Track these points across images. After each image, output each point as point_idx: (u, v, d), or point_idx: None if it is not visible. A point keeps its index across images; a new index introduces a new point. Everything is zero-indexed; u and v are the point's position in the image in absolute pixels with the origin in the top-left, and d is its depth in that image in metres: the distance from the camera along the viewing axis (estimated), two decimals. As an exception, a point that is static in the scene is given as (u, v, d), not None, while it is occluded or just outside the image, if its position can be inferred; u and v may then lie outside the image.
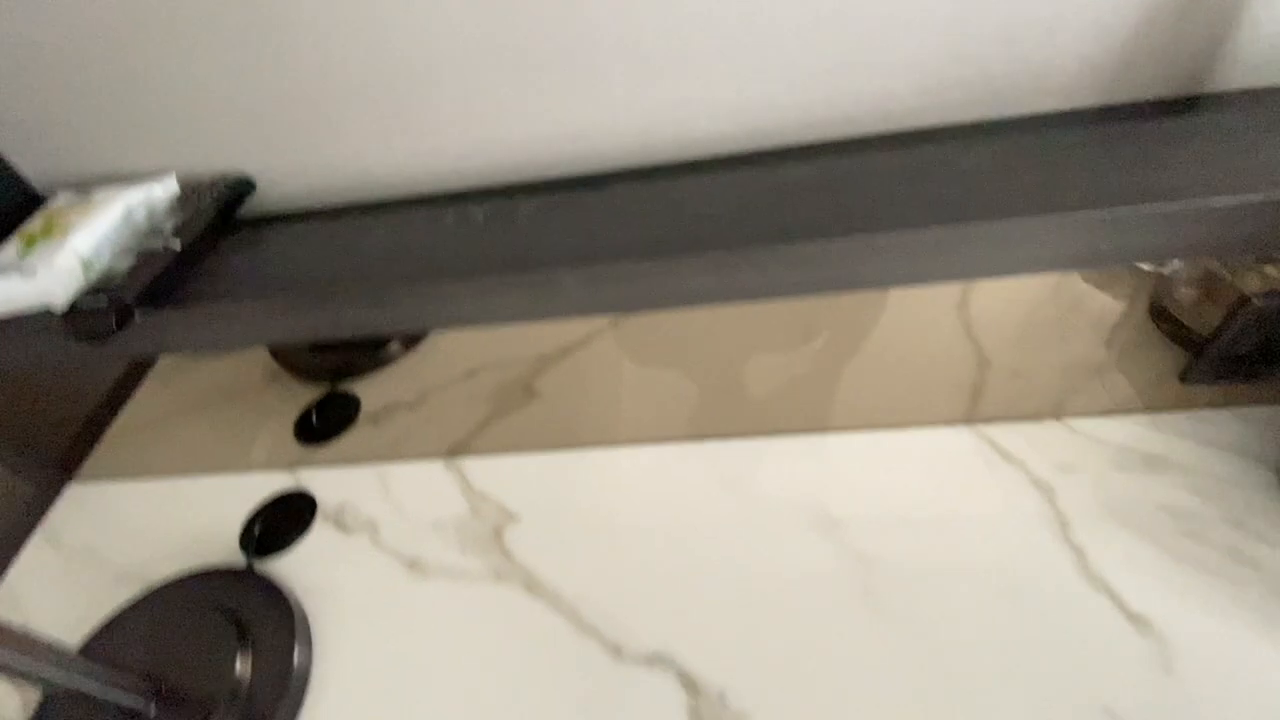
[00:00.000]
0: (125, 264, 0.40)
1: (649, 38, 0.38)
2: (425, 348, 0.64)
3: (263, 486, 0.54)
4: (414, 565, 0.48)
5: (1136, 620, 0.38)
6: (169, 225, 0.42)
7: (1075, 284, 0.57)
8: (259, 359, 0.66)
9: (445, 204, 0.45)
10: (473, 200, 0.45)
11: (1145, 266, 0.56)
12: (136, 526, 0.54)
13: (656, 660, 0.40)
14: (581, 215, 0.40)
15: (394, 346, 0.63)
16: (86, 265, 0.41)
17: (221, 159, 0.46)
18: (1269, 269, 0.44)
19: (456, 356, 0.62)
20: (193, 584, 0.48)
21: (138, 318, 0.38)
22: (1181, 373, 0.45)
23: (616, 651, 0.41)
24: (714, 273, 0.36)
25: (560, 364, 0.60)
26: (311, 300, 0.40)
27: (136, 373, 0.66)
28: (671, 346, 0.59)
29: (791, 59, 0.39)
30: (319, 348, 0.64)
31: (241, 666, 0.43)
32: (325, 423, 0.59)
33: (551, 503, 0.49)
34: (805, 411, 0.51)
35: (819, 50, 0.39)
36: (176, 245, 0.40)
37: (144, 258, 0.40)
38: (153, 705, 0.41)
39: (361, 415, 0.59)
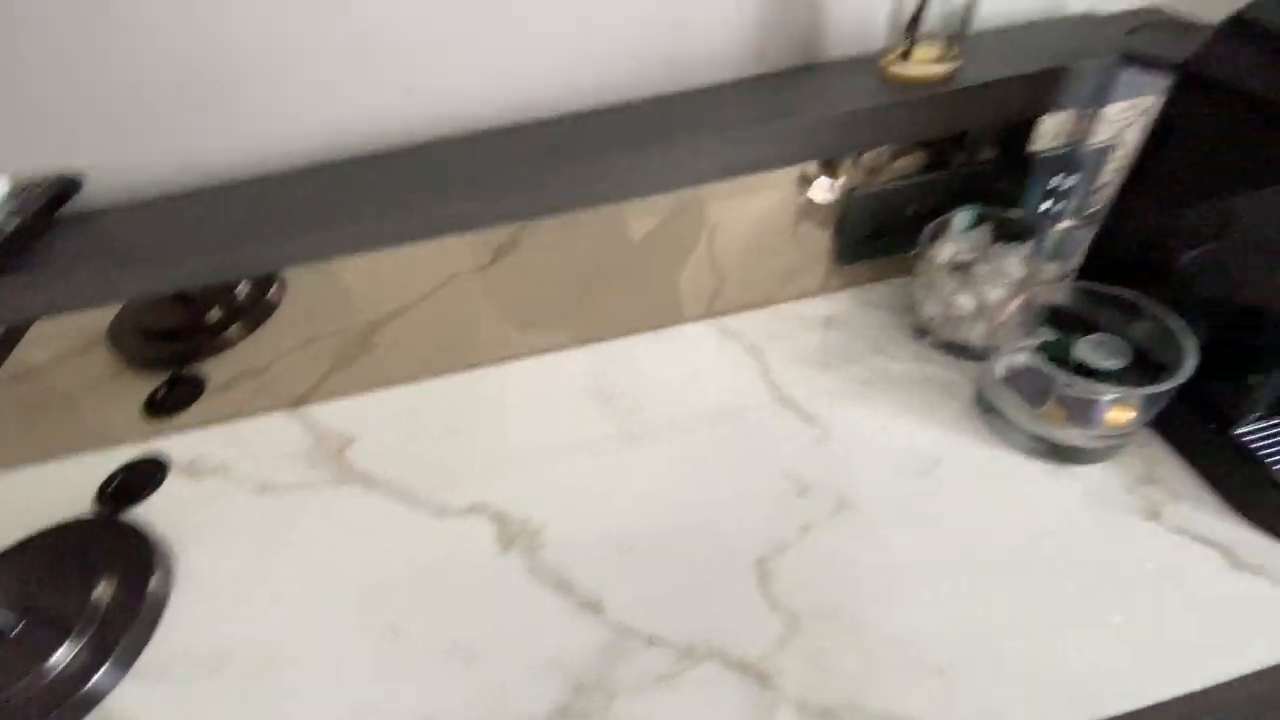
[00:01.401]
0: (-38, 243, 0.46)
1: (423, 40, 0.51)
2: (265, 329, 0.71)
3: (116, 458, 0.60)
4: (264, 488, 0.55)
5: (808, 418, 0.54)
6: (2, 214, 0.49)
7: (792, 220, 0.75)
8: (101, 359, 0.70)
9: (258, 183, 0.55)
10: (285, 178, 0.55)
11: (831, 197, 0.75)
12: (-15, 513, 0.57)
13: (473, 510, 0.51)
14: (385, 173, 0.52)
15: (235, 329, 0.70)
16: (-78, 247, 0.46)
17: (49, 161, 0.53)
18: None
19: (296, 329, 0.70)
20: (55, 532, 0.53)
21: (-18, 280, 0.44)
22: (833, 258, 0.63)
23: (441, 512, 0.51)
24: (482, 199, 0.49)
25: (390, 324, 0.69)
26: (157, 257, 0.48)
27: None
28: (476, 299, 0.71)
29: (543, 63, 0.54)
30: (160, 338, 0.69)
31: (99, 593, 0.48)
32: (173, 401, 0.65)
33: (384, 422, 0.59)
34: (590, 327, 0.65)
35: (561, 54, 0.54)
36: (11, 225, 0.47)
37: (-20, 235, 0.46)
38: (20, 625, 0.46)
39: (208, 388, 0.65)
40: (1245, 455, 0.46)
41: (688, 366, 0.60)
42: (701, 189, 0.59)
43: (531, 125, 0.57)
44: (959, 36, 0.52)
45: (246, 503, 0.55)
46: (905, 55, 0.53)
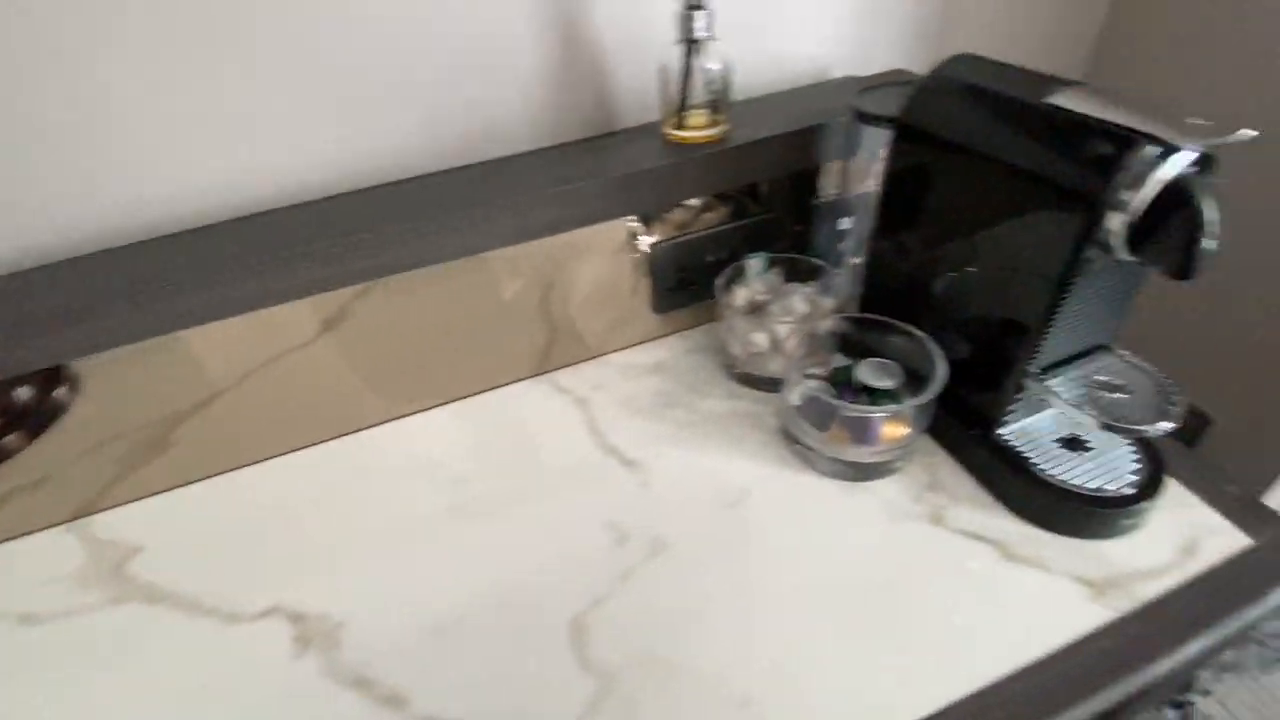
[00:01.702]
0: None
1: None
2: (49, 436, 0.64)
3: None
4: (25, 619, 0.48)
5: (630, 464, 0.54)
6: None
7: (618, 274, 0.78)
8: None
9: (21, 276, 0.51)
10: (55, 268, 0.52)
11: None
12: None
13: (269, 613, 0.47)
14: (167, 256, 0.51)
15: (13, 439, 0.62)
16: None
17: None
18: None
19: (86, 432, 0.63)
20: None
21: None
22: (652, 307, 0.66)
23: (233, 619, 0.47)
24: (285, 270, 0.48)
25: (195, 416, 0.64)
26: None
27: None
28: (294, 379, 0.67)
29: (331, 141, 0.55)
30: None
31: None
32: (-79, 531, 0.56)
33: (178, 526, 0.54)
34: (419, 397, 0.63)
35: (352, 133, 0.54)
36: None
37: None
38: None
39: (-31, 511, 0.57)
40: (1007, 455, 0.51)
41: (516, 428, 0.59)
42: (529, 246, 0.60)
43: (327, 200, 0.57)
44: (723, 103, 0.57)
45: (5, 638, 0.47)
46: (679, 122, 0.58)
